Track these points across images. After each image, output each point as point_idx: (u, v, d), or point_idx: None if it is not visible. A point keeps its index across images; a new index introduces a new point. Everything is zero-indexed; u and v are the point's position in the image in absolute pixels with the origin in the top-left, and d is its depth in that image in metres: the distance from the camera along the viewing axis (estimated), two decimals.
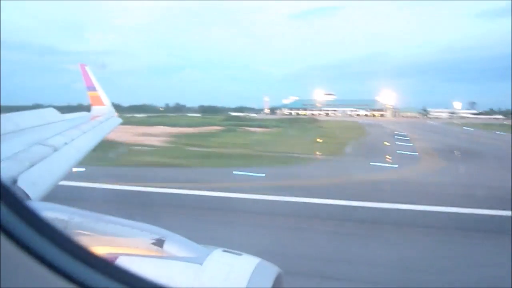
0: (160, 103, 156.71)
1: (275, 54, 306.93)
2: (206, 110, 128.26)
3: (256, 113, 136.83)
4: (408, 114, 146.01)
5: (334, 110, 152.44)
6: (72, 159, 3.59)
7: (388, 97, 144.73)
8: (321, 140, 37.82)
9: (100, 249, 2.25)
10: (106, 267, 1.43)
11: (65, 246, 1.31)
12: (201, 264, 2.15)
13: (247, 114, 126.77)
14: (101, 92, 10.40)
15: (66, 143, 3.60)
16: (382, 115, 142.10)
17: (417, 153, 29.63)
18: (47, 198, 3.21)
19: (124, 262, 2.11)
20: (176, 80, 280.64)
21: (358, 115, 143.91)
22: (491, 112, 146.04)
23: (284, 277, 2.33)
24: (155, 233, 2.37)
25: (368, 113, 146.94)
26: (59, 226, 2.27)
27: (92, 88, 10.40)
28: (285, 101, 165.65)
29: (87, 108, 10.14)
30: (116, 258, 2.14)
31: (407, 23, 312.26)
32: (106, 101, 10.46)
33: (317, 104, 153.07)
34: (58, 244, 1.29)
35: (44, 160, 3.42)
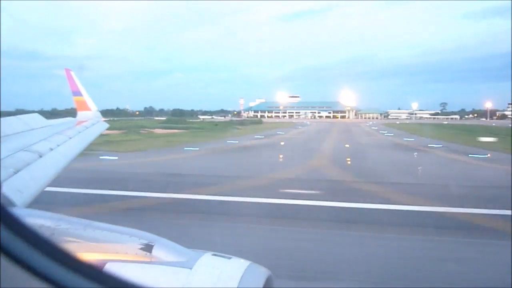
0: (142, 107, 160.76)
1: (265, 56, 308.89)
2: (175, 114, 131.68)
3: (224, 116, 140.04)
4: (370, 115, 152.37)
5: (297, 112, 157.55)
6: (58, 165, 3.54)
7: (349, 99, 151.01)
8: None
9: (88, 256, 2.22)
10: (93, 273, 1.41)
11: (50, 252, 1.29)
12: (190, 268, 2.14)
13: (214, 116, 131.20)
14: (86, 97, 10.27)
15: (51, 149, 3.54)
16: (343, 117, 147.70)
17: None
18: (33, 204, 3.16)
19: (112, 268, 2.09)
20: (163, 84, 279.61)
21: (320, 116, 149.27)
22: (461, 112, 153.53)
23: (274, 280, 2.33)
24: (144, 238, 2.35)
25: (330, 114, 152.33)
26: (45, 233, 2.24)
27: (77, 93, 10.26)
28: (252, 104, 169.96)
29: (74, 113, 10.01)
30: (104, 264, 2.12)
31: (394, 26, 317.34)
32: (92, 106, 10.33)
33: (280, 107, 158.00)
34: (43, 251, 1.27)
35: (29, 166, 3.36)
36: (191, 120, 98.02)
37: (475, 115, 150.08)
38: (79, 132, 5.83)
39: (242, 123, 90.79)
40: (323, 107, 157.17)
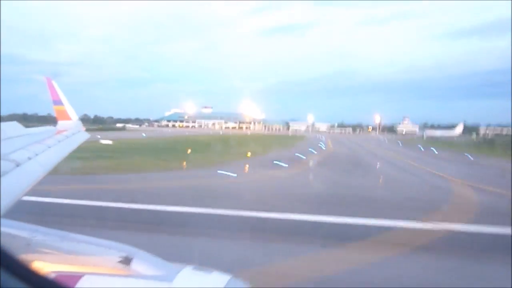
0: (123, 116, 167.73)
1: (246, 70, 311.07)
2: (96, 122, 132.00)
3: (139, 125, 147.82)
4: (275, 126, 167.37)
5: (206, 123, 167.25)
6: (36, 175, 3.46)
7: (253, 110, 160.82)
8: None
9: (64, 268, 2.16)
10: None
11: (12, 269, 1.24)
12: (170, 282, 2.11)
13: (127, 125, 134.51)
14: (68, 106, 10.10)
15: (29, 158, 3.46)
16: (247, 128, 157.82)
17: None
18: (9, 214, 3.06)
19: (89, 282, 2.03)
20: (144, 94, 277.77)
21: (226, 127, 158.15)
22: (357, 126, 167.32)
23: None
24: (122, 251, 2.30)
25: (236, 125, 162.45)
26: (20, 244, 2.17)
27: (58, 102, 10.07)
28: (167, 113, 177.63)
29: (49, 120, 9.79)
30: (80, 277, 2.06)
31: (375, 43, 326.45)
32: (73, 115, 10.17)
33: (185, 117, 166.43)
34: (8, 268, 1.22)
35: (5, 176, 3.27)
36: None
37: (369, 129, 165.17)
38: (59, 142, 5.71)
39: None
40: (230, 118, 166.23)
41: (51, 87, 10.22)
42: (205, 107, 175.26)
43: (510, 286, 6.59)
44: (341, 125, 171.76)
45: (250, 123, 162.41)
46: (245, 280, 2.32)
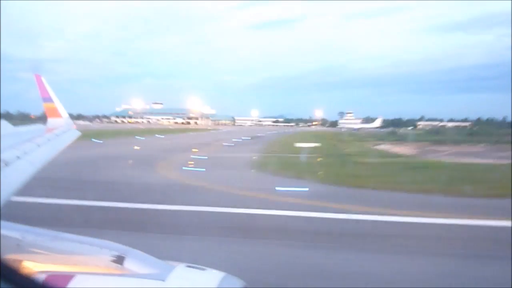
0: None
1: (236, 64, 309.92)
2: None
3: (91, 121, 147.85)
4: (222, 121, 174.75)
5: (157, 119, 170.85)
6: (25, 174, 3.41)
7: (202, 106, 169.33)
8: None
9: (55, 268, 2.14)
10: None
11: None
12: (163, 280, 2.09)
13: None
14: (58, 104, 9.94)
15: (18, 157, 3.41)
16: (196, 123, 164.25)
17: None
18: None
19: (81, 281, 2.01)
20: (132, 89, 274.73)
21: (176, 122, 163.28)
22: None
23: None
24: (115, 250, 2.28)
25: (184, 120, 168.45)
26: (10, 244, 2.14)
27: (48, 99, 9.90)
28: (118, 109, 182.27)
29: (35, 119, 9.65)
30: (72, 277, 2.04)
31: (365, 38, 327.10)
32: (64, 113, 10.00)
33: (129, 112, 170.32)
34: None
35: None
36: None
37: (314, 123, 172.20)
38: (49, 140, 5.64)
39: None
40: (179, 114, 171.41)
41: (41, 84, 10.03)
42: (156, 103, 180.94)
43: (510, 286, 6.63)
44: (287, 120, 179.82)
45: (197, 118, 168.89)
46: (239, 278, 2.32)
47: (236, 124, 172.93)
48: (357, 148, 43.54)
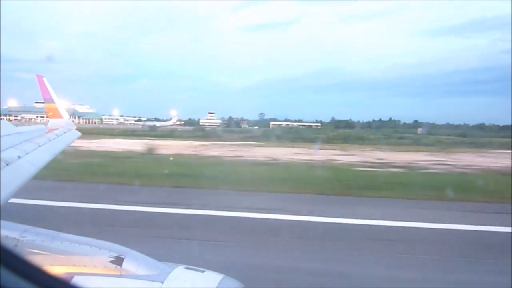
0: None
1: (232, 66, 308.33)
2: None
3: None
4: (95, 120, 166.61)
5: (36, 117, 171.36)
6: (26, 174, 3.41)
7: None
8: None
9: (54, 269, 2.14)
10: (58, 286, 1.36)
11: (13, 265, 1.23)
12: (162, 282, 2.09)
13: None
14: (59, 104, 9.99)
15: (19, 157, 3.41)
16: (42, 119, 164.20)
17: None
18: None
19: (80, 282, 2.01)
20: (129, 90, 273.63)
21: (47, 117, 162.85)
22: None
23: None
24: (114, 251, 2.28)
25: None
26: (9, 244, 2.14)
27: (49, 100, 9.95)
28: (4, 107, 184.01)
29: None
30: (71, 277, 2.04)
31: (360, 40, 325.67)
32: (65, 113, 10.06)
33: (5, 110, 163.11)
34: (6, 264, 1.21)
35: None
36: None
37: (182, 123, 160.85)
38: (50, 140, 5.65)
39: None
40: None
41: (42, 85, 10.08)
42: (38, 102, 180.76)
43: (510, 286, 6.57)
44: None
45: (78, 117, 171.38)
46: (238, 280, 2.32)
47: (103, 122, 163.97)
48: None
